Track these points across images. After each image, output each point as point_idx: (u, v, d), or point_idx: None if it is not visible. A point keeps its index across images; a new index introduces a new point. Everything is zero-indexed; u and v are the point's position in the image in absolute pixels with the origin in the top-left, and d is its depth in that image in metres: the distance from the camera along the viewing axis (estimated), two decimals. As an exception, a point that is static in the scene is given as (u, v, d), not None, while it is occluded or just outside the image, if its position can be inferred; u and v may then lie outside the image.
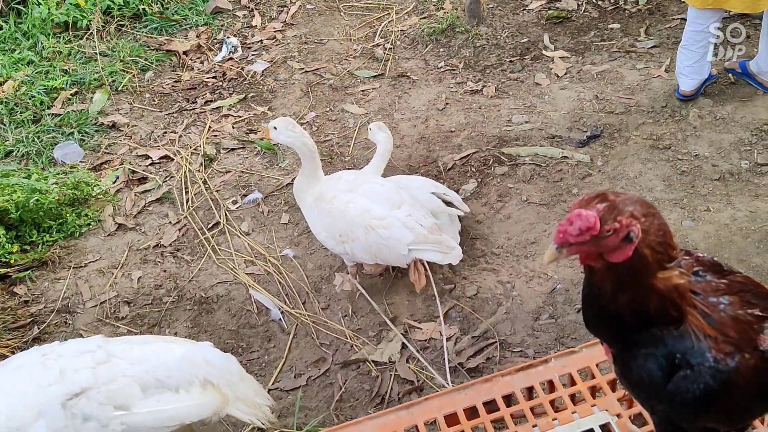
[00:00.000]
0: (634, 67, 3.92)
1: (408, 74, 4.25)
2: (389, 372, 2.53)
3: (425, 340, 2.66)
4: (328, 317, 2.82)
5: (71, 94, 4.41)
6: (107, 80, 4.48)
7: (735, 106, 3.46)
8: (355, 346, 2.66)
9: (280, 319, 2.83)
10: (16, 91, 4.34)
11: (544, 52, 4.22)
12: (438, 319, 2.69)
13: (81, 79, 4.47)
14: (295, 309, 2.87)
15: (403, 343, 2.63)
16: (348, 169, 3.47)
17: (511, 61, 4.21)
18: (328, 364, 2.63)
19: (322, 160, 3.77)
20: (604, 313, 1.13)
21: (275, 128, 2.70)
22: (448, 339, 2.61)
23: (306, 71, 4.48)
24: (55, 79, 4.44)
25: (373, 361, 2.58)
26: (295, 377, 2.61)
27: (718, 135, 3.32)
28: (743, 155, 3.18)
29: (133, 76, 4.55)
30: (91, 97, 4.39)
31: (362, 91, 4.21)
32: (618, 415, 1.69)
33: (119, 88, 4.45)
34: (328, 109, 4.13)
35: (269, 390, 2.55)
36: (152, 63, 4.65)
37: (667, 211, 2.97)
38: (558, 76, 3.99)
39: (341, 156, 3.75)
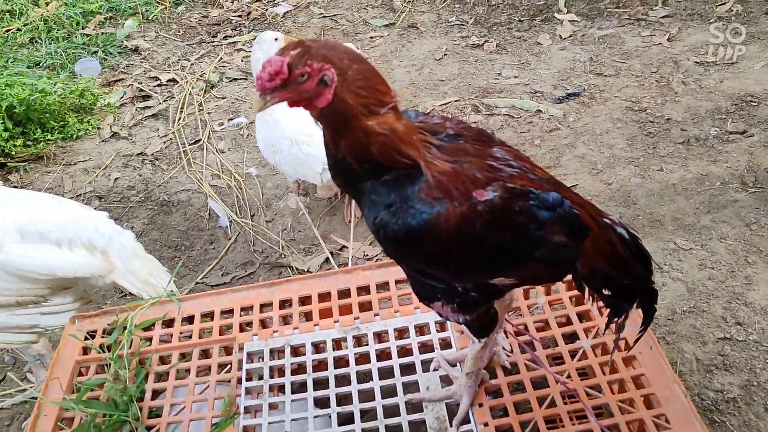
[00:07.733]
0: (639, 34, 3.82)
1: (418, 26, 4.31)
2: (305, 280, 2.64)
3: (349, 258, 2.75)
4: (269, 229, 2.96)
5: (105, 18, 4.72)
6: (141, 9, 4.77)
7: (723, 76, 3.34)
8: (284, 254, 2.79)
9: (227, 226, 3.00)
10: (57, 10, 4.69)
11: (556, 14, 4.17)
12: (365, 241, 2.78)
13: (117, 5, 4.78)
14: (242, 219, 3.02)
15: (327, 258, 2.74)
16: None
17: (520, 21, 4.19)
18: (255, 267, 2.77)
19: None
20: (336, 162, 1.17)
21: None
22: (368, 258, 2.70)
23: (324, 16, 4.61)
24: (94, 3, 4.76)
25: (295, 268, 2.71)
26: (222, 275, 2.76)
27: (696, 102, 3.21)
28: (716, 123, 3.07)
29: (165, 8, 4.81)
30: (123, 23, 4.69)
31: (370, 37, 4.30)
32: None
33: (150, 18, 4.72)
34: (334, 51, 4.24)
35: (196, 283, 2.72)
36: (186, -2, 4.90)
37: (619, 167, 2.93)
38: (561, 38, 3.94)
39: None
